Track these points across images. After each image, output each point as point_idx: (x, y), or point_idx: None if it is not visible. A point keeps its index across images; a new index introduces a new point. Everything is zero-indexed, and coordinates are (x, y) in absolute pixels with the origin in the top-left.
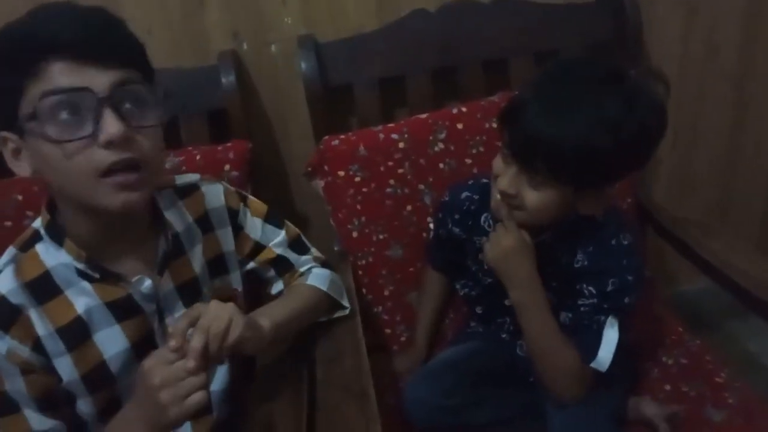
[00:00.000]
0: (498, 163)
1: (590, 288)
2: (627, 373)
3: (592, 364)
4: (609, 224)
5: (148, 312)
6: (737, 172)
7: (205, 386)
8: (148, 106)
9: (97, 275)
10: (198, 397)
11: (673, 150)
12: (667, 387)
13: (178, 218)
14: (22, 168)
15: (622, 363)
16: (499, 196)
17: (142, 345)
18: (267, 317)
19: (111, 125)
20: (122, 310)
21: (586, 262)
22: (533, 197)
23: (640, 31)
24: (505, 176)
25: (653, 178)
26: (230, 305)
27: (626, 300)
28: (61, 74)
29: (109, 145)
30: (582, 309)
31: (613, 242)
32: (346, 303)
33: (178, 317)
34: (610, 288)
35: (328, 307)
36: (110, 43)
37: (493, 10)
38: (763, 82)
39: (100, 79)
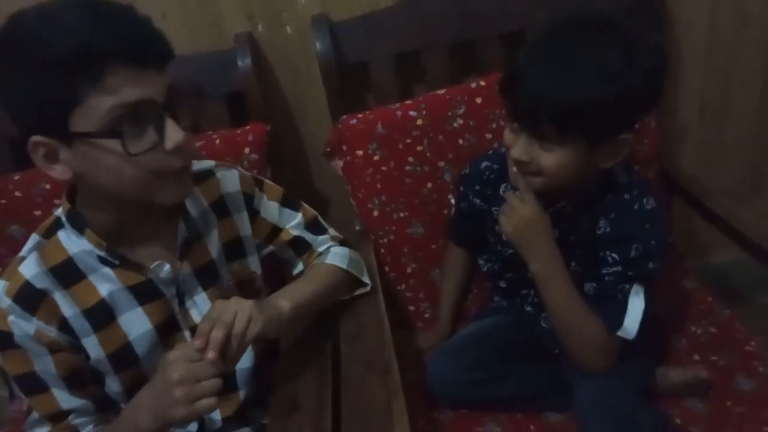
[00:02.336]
0: (507, 134)
1: (613, 255)
2: (655, 344)
3: (619, 333)
4: (632, 189)
5: (169, 296)
6: None
7: (218, 393)
8: (187, 107)
9: (117, 262)
10: (207, 402)
11: (702, 121)
12: (696, 357)
13: (193, 203)
14: (58, 171)
15: (649, 333)
16: (515, 169)
17: (165, 327)
18: (287, 299)
19: (176, 133)
20: (143, 294)
21: (608, 229)
22: (548, 160)
23: None
24: (516, 145)
25: (681, 149)
26: (249, 302)
27: (650, 266)
28: (124, 84)
29: (176, 150)
30: (606, 278)
31: (636, 207)
32: (366, 280)
33: (201, 320)
34: (633, 254)
35: (349, 285)
36: (159, 46)
37: None
38: None
39: (156, 86)
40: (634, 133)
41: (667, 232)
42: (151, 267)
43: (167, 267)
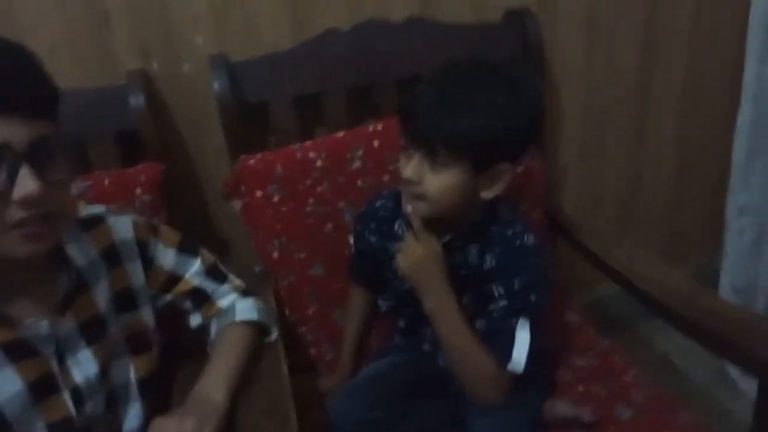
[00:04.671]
0: (401, 159)
1: (499, 289)
2: (543, 377)
3: (509, 367)
4: (515, 226)
5: (47, 354)
6: (642, 183)
7: None
8: (63, 158)
9: None
10: None
11: (581, 163)
12: (580, 388)
13: (80, 252)
14: None
15: (537, 367)
16: (407, 196)
17: (42, 388)
18: (219, 387)
19: (28, 184)
20: (17, 351)
21: (494, 263)
22: (435, 182)
23: (542, 50)
24: (407, 166)
25: (562, 191)
26: (191, 422)
27: (533, 298)
28: None
29: (26, 202)
30: (494, 314)
31: (518, 242)
32: (275, 330)
33: None
34: (516, 287)
35: (259, 335)
36: (32, 93)
37: (404, 29)
38: (661, 95)
39: (20, 134)
40: (514, 165)
41: (547, 266)
42: (27, 323)
43: (44, 323)
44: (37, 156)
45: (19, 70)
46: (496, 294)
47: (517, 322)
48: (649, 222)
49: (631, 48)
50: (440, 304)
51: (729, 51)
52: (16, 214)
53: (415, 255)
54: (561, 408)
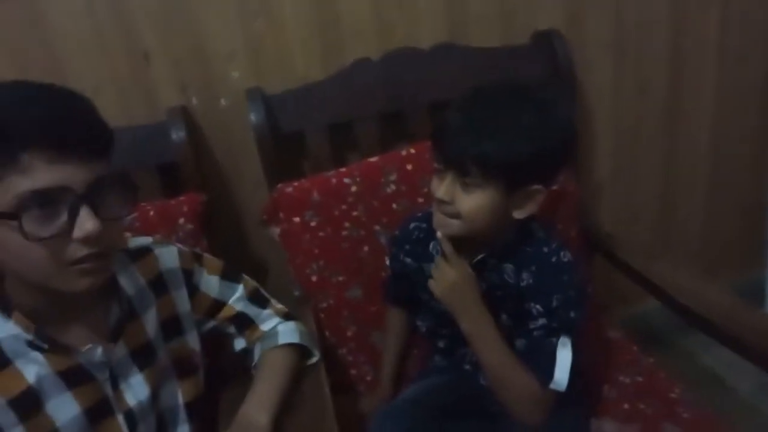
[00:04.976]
0: (434, 179)
1: (537, 306)
2: (584, 395)
3: (551, 386)
4: (550, 243)
5: (101, 379)
6: (676, 200)
7: None
8: (117, 197)
9: (46, 346)
10: None
11: (614, 181)
12: (626, 406)
13: (130, 282)
14: None
15: (579, 385)
16: (437, 214)
17: (96, 411)
18: (263, 410)
19: (88, 223)
20: (73, 378)
21: (531, 281)
22: (468, 202)
23: (573, 71)
24: (440, 186)
25: (598, 209)
26: None
27: (572, 315)
28: (43, 169)
29: (86, 240)
30: (534, 333)
31: (554, 260)
32: (316, 352)
33: None
34: (554, 304)
35: (301, 357)
36: (89, 137)
37: (433, 56)
38: (691, 110)
39: (79, 176)
40: (548, 186)
41: (583, 283)
42: (83, 350)
43: (99, 350)
44: (94, 196)
45: (77, 115)
46: (534, 312)
47: (557, 341)
48: (684, 238)
49: (659, 65)
50: (476, 324)
51: (759, 62)
52: (76, 252)
53: (448, 279)
54: (608, 427)
